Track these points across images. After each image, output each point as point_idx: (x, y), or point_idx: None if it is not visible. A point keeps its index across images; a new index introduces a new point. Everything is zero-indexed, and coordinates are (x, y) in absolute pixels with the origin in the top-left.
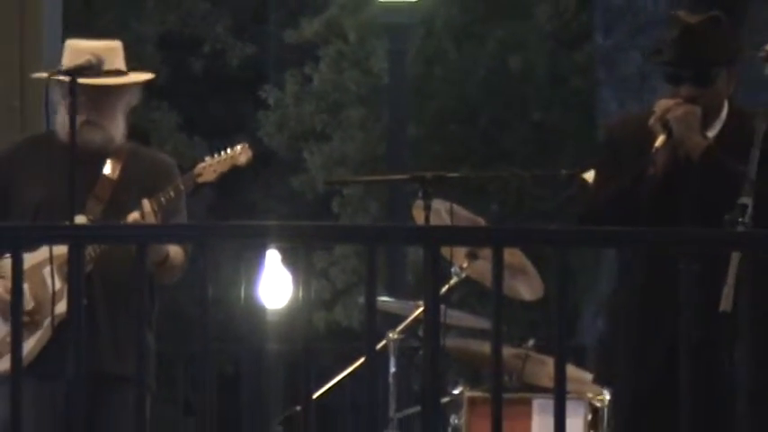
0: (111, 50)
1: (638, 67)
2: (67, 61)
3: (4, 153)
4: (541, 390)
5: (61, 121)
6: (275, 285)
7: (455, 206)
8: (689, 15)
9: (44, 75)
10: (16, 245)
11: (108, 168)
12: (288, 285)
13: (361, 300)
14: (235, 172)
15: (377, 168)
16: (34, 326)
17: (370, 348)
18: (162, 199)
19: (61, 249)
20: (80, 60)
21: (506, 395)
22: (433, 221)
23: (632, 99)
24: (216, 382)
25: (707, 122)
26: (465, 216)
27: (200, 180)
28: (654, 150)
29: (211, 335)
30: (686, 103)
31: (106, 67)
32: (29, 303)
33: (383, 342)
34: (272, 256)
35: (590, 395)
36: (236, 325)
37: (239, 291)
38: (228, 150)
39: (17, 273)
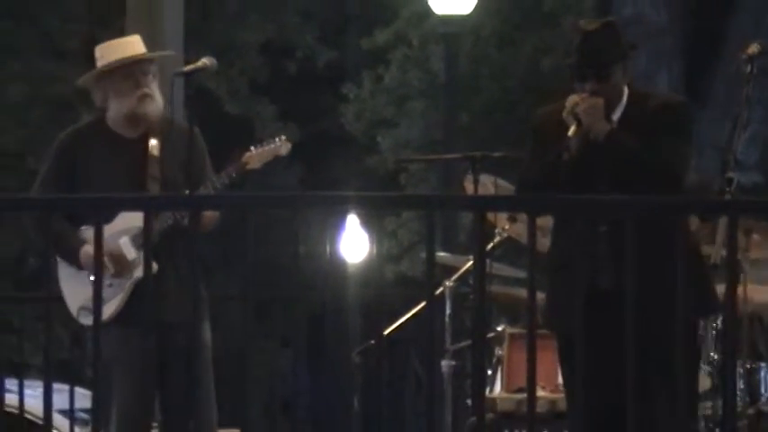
0: (139, 42)
1: (644, 67)
2: (109, 61)
3: (66, 146)
4: None
5: (116, 108)
6: (354, 243)
7: (498, 179)
8: (588, 23)
9: (183, 71)
10: (148, 209)
11: (152, 148)
12: (364, 243)
13: (423, 255)
14: (321, 154)
15: (435, 149)
16: (119, 288)
17: (430, 294)
18: (217, 184)
19: (133, 222)
20: (197, 64)
21: (539, 331)
22: (481, 192)
23: None
24: (306, 321)
25: (610, 109)
26: (506, 187)
27: (248, 167)
28: (567, 138)
29: (302, 283)
30: (591, 97)
31: (139, 54)
32: (110, 269)
33: (441, 289)
34: (352, 220)
35: None
36: (322, 275)
37: (325, 248)
38: (271, 143)
39: (147, 236)
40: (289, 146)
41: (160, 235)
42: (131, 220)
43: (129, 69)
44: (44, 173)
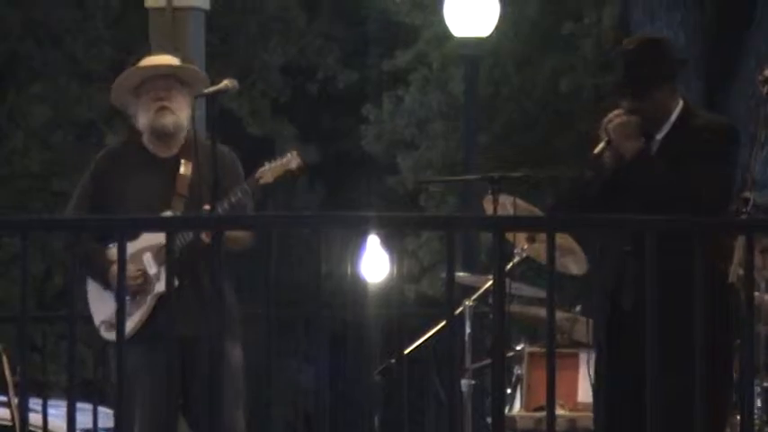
0: (169, 60)
1: None
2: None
3: (102, 166)
4: (587, 346)
5: (141, 124)
6: (375, 263)
7: (517, 199)
8: (628, 41)
9: (205, 92)
10: (170, 229)
11: (183, 167)
12: (385, 263)
13: (443, 274)
14: (342, 174)
15: (455, 170)
16: (142, 302)
17: (449, 313)
18: (232, 199)
19: (155, 238)
20: (219, 85)
21: (558, 350)
22: (500, 212)
23: None
24: (328, 339)
25: (655, 127)
26: (525, 207)
27: (262, 182)
28: (593, 155)
29: (324, 302)
30: (625, 114)
31: (175, 69)
32: (133, 285)
33: (460, 308)
34: (373, 240)
35: None
36: (343, 294)
37: (346, 267)
38: (283, 158)
39: (170, 256)
40: (299, 160)
41: (180, 252)
42: (154, 236)
43: (151, 84)
44: (79, 191)
